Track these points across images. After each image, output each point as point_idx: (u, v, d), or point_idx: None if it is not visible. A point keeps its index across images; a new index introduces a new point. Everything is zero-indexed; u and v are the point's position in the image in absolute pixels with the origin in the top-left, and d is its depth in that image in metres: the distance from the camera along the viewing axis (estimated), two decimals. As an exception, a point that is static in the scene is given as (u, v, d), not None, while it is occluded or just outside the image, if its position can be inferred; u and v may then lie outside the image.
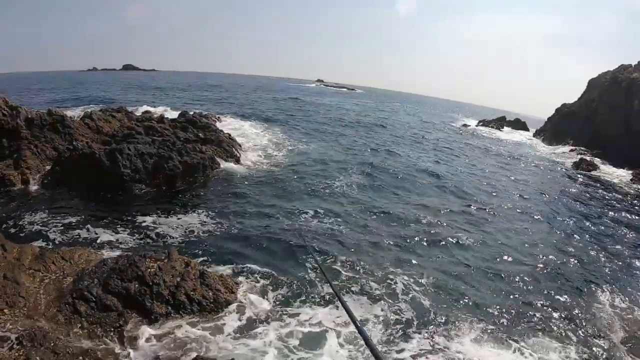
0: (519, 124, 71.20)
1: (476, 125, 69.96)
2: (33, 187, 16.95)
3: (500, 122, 71.28)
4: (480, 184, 25.23)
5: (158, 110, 36.56)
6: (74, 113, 30.22)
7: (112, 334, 7.79)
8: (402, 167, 26.73)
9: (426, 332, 9.38)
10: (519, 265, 13.96)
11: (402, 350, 8.67)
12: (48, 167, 18.52)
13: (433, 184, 23.60)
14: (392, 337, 9.08)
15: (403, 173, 24.96)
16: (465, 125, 68.14)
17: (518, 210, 20.38)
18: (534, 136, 61.28)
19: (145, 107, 38.91)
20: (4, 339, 6.68)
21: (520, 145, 50.83)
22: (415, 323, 9.70)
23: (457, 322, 9.90)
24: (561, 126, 54.38)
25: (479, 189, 23.93)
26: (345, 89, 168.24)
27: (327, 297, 10.28)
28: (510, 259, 14.30)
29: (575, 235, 17.65)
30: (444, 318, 10.01)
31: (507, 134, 61.46)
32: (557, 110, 58.30)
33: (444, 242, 14.82)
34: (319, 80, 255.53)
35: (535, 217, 19.75)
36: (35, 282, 8.57)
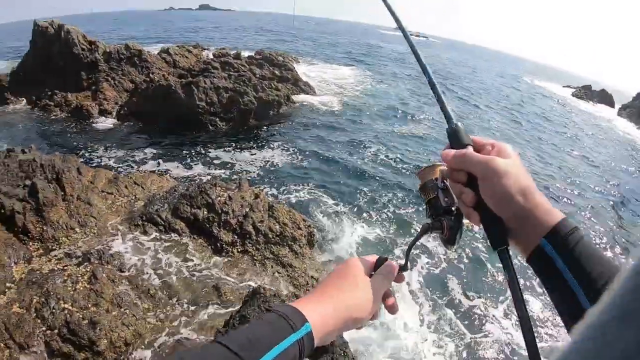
0: (605, 96, 58.45)
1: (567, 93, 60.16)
2: (110, 118, 17.54)
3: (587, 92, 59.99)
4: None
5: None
6: (152, 48, 30.80)
7: (177, 256, 7.87)
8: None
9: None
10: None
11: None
12: (125, 99, 19.00)
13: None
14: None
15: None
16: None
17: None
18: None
19: (221, 45, 39.02)
20: (74, 255, 6.95)
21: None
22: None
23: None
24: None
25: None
26: (418, 37, 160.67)
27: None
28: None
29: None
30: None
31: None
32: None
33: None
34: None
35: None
36: (107, 204, 8.74)
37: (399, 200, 12.30)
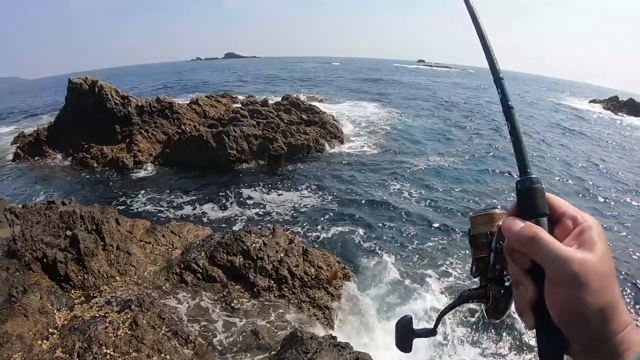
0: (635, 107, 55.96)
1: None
2: (144, 168, 18.22)
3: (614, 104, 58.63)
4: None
5: (261, 95, 37.56)
6: (182, 100, 31.91)
7: (214, 303, 8.01)
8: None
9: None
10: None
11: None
12: (158, 150, 19.70)
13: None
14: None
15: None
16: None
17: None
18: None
19: (248, 92, 40.16)
20: (115, 302, 7.16)
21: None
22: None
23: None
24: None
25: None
26: (446, 69, 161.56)
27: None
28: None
29: None
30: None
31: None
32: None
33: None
34: (420, 60, 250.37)
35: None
36: (146, 253, 9.03)
37: (434, 240, 12.25)
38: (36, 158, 21.56)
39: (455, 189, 16.61)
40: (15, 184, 18.27)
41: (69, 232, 8.87)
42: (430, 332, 0.95)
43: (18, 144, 23.22)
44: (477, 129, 30.02)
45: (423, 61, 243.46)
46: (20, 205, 10.78)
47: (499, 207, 0.93)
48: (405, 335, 0.97)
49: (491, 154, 22.31)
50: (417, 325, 0.95)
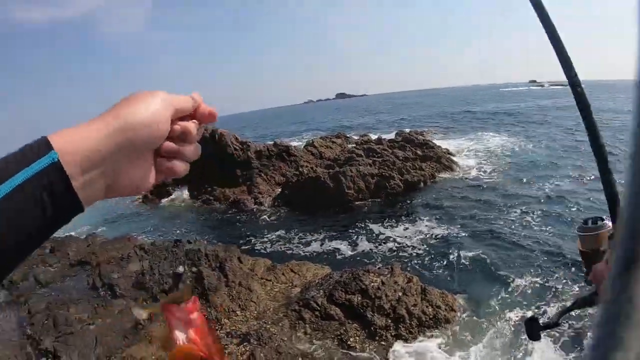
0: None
1: None
2: (264, 209, 19.10)
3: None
4: None
5: (374, 133, 37.96)
6: (297, 142, 33.19)
7: (332, 340, 8.04)
8: None
9: None
10: None
11: None
12: (277, 191, 20.61)
13: None
14: None
15: None
16: None
17: None
18: None
19: (362, 131, 40.81)
20: (235, 335, 7.62)
21: None
22: None
23: None
24: None
25: None
26: (561, 87, 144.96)
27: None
28: None
29: None
30: None
31: None
32: None
33: None
34: (532, 81, 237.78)
35: None
36: (266, 290, 9.37)
37: (558, 272, 11.33)
38: (162, 199, 24.31)
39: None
40: (145, 223, 20.55)
41: (194, 269, 9.46)
42: (554, 324, 1.13)
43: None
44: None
45: (535, 81, 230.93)
46: (149, 242, 11.75)
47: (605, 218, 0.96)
48: (534, 326, 1.17)
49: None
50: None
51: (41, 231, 0.62)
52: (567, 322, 8.61)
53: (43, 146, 0.62)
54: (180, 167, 0.81)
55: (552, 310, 9.75)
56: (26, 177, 0.59)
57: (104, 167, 0.67)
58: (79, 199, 0.64)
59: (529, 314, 9.51)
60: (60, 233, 15.80)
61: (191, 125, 0.79)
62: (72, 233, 16.82)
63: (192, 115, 0.79)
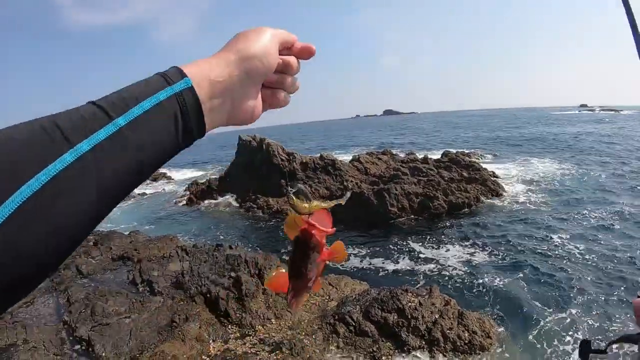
0: None
1: None
2: (307, 223, 19.26)
3: None
4: None
5: (421, 152, 37.68)
6: (343, 156, 33.28)
7: (364, 357, 8.03)
8: None
9: None
10: None
11: None
12: (322, 205, 20.84)
13: None
14: None
15: None
16: None
17: None
18: None
19: (408, 149, 40.68)
20: (268, 343, 7.73)
21: None
22: None
23: None
24: None
25: None
26: (612, 112, 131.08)
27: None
28: None
29: None
30: None
31: None
32: None
33: None
34: (582, 105, 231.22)
35: None
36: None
37: (598, 309, 10.92)
38: (206, 202, 25.44)
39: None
40: (188, 225, 21.37)
41: (233, 274, 9.71)
42: (602, 351, 1.20)
43: (192, 190, 27.80)
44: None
45: (586, 105, 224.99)
46: (191, 244, 12.12)
47: None
48: (585, 351, 1.25)
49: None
50: None
51: (169, 149, 0.70)
52: (613, 350, 8.34)
53: (177, 73, 0.71)
54: (283, 97, 0.90)
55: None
56: (166, 96, 0.68)
57: (226, 96, 0.77)
58: (205, 122, 0.74)
59: (568, 348, 9.29)
60: (104, 227, 16.49)
61: (292, 59, 0.87)
62: (117, 228, 17.43)
63: (290, 50, 0.87)
